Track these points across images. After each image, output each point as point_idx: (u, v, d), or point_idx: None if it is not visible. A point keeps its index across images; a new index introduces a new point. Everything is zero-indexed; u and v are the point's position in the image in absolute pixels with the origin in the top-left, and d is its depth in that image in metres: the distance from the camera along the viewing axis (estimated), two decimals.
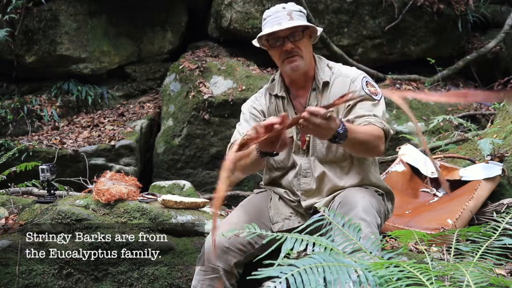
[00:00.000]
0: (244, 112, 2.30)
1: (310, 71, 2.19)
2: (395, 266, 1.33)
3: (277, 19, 2.09)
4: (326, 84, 2.18)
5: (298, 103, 2.22)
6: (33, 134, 5.55)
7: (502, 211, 2.64)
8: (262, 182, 2.40)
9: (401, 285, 1.26)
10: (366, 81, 2.15)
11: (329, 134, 1.80)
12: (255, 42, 2.20)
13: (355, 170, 2.18)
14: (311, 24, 2.13)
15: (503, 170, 2.82)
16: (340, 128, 1.82)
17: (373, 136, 1.99)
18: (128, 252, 2.67)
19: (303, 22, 2.11)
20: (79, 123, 5.75)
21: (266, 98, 2.28)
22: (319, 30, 2.17)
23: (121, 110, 5.99)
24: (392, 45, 6.07)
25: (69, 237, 2.72)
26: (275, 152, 1.93)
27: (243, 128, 2.23)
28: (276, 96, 2.25)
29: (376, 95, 2.12)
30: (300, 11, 2.15)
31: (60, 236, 2.73)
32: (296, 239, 1.45)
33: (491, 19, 6.59)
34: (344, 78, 2.17)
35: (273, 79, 2.30)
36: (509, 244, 1.68)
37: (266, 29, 2.11)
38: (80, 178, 3.79)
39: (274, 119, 1.75)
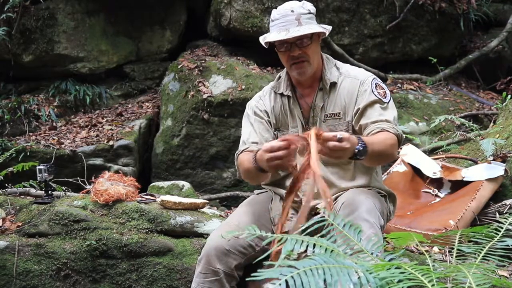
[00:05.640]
0: (249, 114, 2.30)
1: (317, 72, 2.19)
2: (396, 268, 1.32)
3: (285, 25, 2.07)
4: (333, 84, 2.18)
5: (304, 103, 2.22)
6: (31, 134, 5.52)
7: (504, 212, 2.63)
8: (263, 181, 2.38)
9: (402, 287, 1.24)
10: (376, 84, 2.14)
11: (347, 154, 1.80)
12: (262, 41, 2.19)
13: (358, 173, 2.18)
14: (320, 30, 2.11)
15: (505, 170, 2.80)
16: (360, 145, 1.82)
17: (389, 145, 1.99)
18: (126, 254, 2.65)
19: (312, 27, 2.08)
20: (77, 123, 5.72)
21: (271, 98, 2.27)
22: (328, 30, 2.15)
23: (120, 109, 5.95)
24: (393, 44, 6.04)
25: (67, 238, 2.70)
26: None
27: (248, 133, 2.24)
28: (282, 95, 2.24)
29: (385, 97, 2.12)
30: (309, 12, 2.12)
31: (58, 237, 2.71)
32: (297, 240, 1.42)
33: (493, 18, 6.57)
34: (353, 79, 2.17)
35: (279, 77, 2.29)
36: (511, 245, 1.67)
37: (273, 34, 2.10)
38: (78, 178, 3.77)
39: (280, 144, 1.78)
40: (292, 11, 2.08)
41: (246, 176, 2.17)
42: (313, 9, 2.15)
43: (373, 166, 2.14)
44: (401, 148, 3.29)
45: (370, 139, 1.94)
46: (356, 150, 1.81)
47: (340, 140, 1.72)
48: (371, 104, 2.09)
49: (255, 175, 2.08)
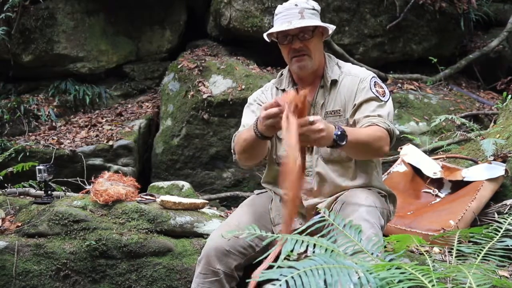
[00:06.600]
0: (251, 103, 2.31)
1: (319, 69, 2.20)
2: (396, 268, 1.31)
3: (288, 17, 2.10)
4: (334, 82, 2.19)
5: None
6: (30, 134, 5.52)
7: (505, 212, 2.62)
8: (262, 180, 2.37)
9: (402, 287, 1.24)
10: (375, 82, 2.15)
11: (326, 139, 1.79)
12: (265, 37, 2.21)
13: (359, 172, 2.17)
14: (321, 24, 2.13)
15: (506, 170, 2.79)
16: (337, 129, 1.82)
17: (375, 137, 1.98)
18: (126, 254, 2.64)
19: (314, 21, 2.11)
20: (76, 123, 5.71)
21: (273, 93, 2.29)
22: (331, 28, 2.17)
23: (119, 109, 5.94)
24: (393, 44, 6.03)
25: (67, 239, 2.70)
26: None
27: (249, 119, 2.23)
28: (284, 90, 2.25)
29: (384, 96, 2.13)
30: (313, 9, 2.15)
31: (58, 238, 2.71)
32: (297, 241, 1.42)
33: (493, 17, 6.57)
34: (353, 77, 2.18)
35: (281, 74, 2.30)
36: (511, 246, 1.66)
37: (276, 26, 2.13)
38: (78, 178, 3.77)
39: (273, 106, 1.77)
40: (296, 5, 2.11)
41: (242, 151, 2.11)
42: (317, 7, 2.18)
43: (360, 158, 2.13)
44: (401, 148, 3.29)
45: (351, 128, 1.95)
46: (335, 136, 1.81)
47: (311, 123, 1.72)
48: (367, 100, 2.10)
49: (252, 146, 2.03)
